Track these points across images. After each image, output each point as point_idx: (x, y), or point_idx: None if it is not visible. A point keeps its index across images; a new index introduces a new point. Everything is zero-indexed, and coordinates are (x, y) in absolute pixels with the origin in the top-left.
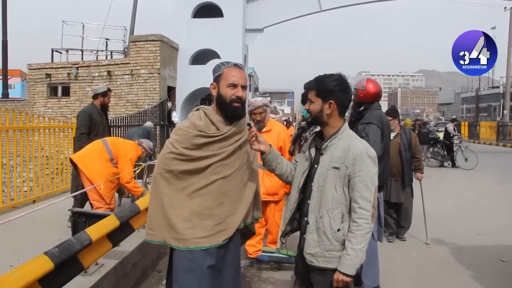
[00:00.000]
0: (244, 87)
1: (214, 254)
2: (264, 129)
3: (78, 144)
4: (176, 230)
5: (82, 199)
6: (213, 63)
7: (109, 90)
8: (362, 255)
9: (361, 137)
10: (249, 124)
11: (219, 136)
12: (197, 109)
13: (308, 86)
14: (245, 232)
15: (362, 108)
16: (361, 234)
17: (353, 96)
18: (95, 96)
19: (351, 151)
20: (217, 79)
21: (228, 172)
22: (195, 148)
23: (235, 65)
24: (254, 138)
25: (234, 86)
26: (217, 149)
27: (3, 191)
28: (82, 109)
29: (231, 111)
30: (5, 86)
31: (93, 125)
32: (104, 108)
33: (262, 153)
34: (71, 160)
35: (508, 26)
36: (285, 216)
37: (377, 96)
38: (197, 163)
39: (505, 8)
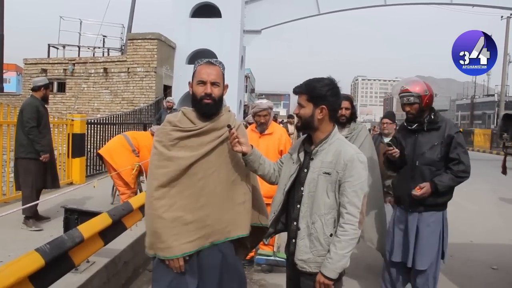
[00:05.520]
0: (215, 84)
1: (196, 268)
2: (266, 132)
3: (27, 138)
4: (161, 238)
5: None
6: None
7: (50, 83)
8: (345, 260)
9: (455, 147)
10: (229, 126)
11: (195, 130)
12: (179, 110)
13: (299, 90)
14: (245, 244)
15: (433, 114)
16: (346, 240)
17: (415, 104)
18: (37, 88)
19: (342, 156)
20: (192, 78)
21: (209, 171)
22: (173, 144)
23: (208, 62)
24: (235, 139)
25: (203, 83)
26: (196, 145)
27: None
28: (27, 103)
29: (202, 108)
30: (0, 80)
31: (40, 117)
32: (45, 100)
33: (244, 154)
34: (98, 155)
35: (504, 35)
36: (268, 218)
37: None
38: (177, 163)
39: (502, 17)
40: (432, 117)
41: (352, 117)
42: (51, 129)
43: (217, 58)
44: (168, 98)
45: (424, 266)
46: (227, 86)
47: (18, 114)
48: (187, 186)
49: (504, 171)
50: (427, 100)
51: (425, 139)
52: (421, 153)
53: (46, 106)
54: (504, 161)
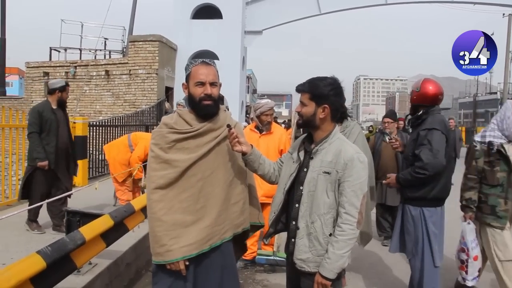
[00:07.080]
0: (213, 84)
1: (193, 270)
2: (266, 131)
3: (30, 142)
4: (160, 242)
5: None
6: None
7: (67, 84)
8: (343, 260)
9: (422, 144)
10: (228, 125)
11: (192, 132)
12: (174, 112)
13: (302, 88)
14: (239, 243)
15: (420, 112)
16: (344, 240)
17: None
18: (51, 91)
19: (342, 156)
20: (187, 79)
21: (207, 172)
22: (170, 146)
23: (203, 62)
24: (235, 139)
25: (201, 84)
26: (193, 146)
27: None
28: (33, 107)
29: (202, 109)
30: (3, 83)
31: (44, 123)
32: (62, 104)
33: (244, 154)
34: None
35: (506, 32)
36: (268, 218)
37: (435, 99)
38: (175, 166)
39: (504, 14)
40: (419, 114)
41: (343, 115)
42: None
43: (218, 59)
44: (180, 101)
45: (407, 255)
46: (220, 84)
47: None
48: (185, 188)
49: None
50: (414, 97)
51: (411, 135)
52: (405, 147)
53: (65, 110)
54: None
